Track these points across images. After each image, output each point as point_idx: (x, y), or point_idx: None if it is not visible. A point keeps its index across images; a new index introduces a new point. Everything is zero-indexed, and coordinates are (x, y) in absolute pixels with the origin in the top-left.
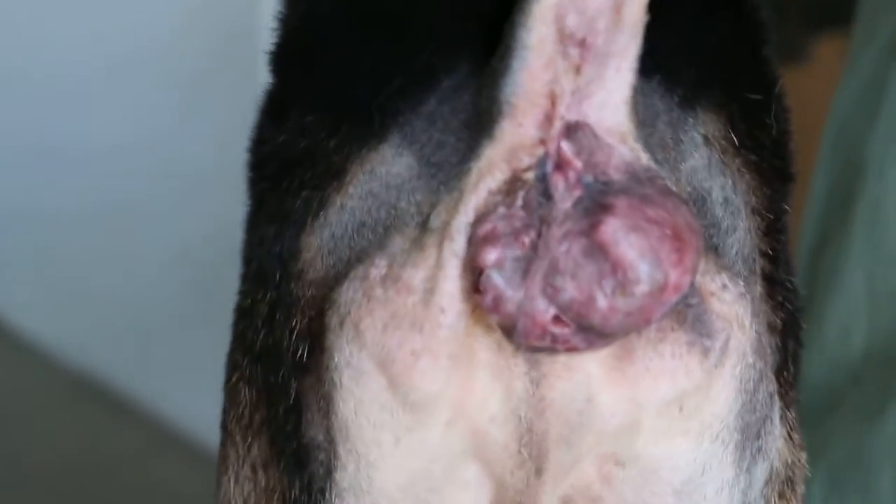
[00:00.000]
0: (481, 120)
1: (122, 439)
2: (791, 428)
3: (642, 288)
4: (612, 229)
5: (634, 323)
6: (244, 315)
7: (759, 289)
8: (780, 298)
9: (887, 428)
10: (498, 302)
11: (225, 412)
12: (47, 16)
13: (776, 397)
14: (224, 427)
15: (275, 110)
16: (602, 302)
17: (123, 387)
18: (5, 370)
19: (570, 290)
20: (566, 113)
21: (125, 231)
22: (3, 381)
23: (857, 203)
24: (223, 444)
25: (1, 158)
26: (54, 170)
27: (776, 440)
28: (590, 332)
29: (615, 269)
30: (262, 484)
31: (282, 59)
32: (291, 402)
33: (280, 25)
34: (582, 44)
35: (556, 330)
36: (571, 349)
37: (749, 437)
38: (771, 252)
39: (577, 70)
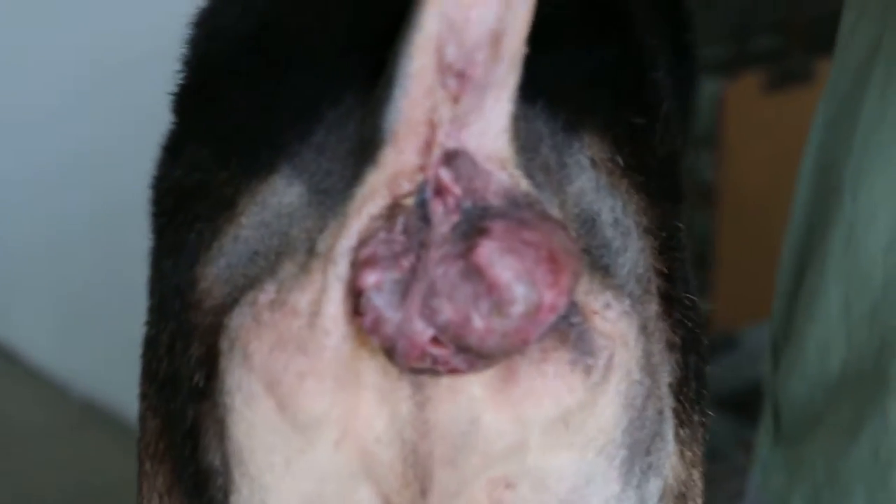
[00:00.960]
0: (365, 148)
1: (131, 466)
2: (684, 445)
3: (518, 308)
4: (488, 251)
5: (512, 343)
6: (149, 346)
7: (655, 307)
8: (678, 316)
9: (861, 449)
10: (377, 323)
11: (138, 443)
12: (52, 21)
13: (669, 414)
14: (139, 458)
15: (173, 146)
16: (478, 323)
17: (132, 413)
18: (14, 396)
19: (447, 311)
20: (445, 140)
21: (137, 259)
22: (12, 406)
23: (834, 227)
24: (137, 475)
25: (9, 186)
26: (62, 197)
27: (669, 457)
28: (469, 353)
29: (491, 290)
30: None
31: (180, 97)
32: (189, 427)
33: (182, 66)
34: (461, 75)
35: (435, 351)
36: (453, 371)
37: (638, 453)
38: (667, 271)
39: (456, 99)
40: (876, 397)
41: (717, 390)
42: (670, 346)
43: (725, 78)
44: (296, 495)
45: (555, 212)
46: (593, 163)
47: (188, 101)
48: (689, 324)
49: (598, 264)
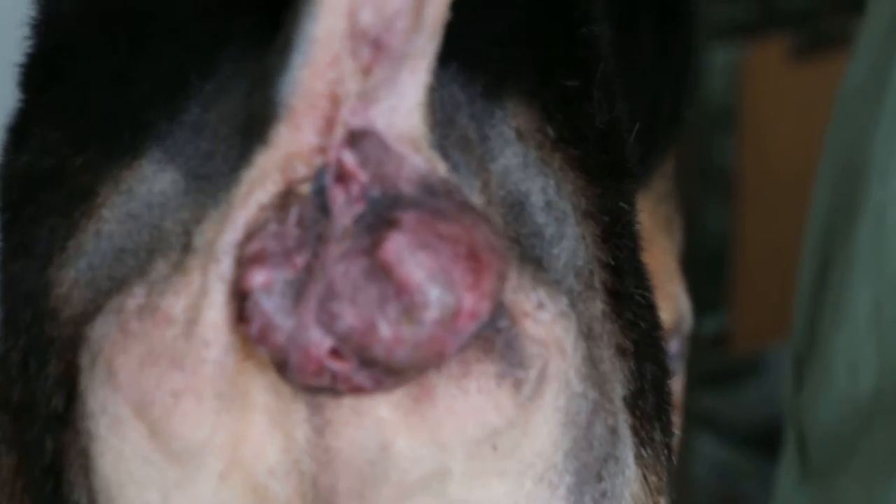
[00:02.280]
0: (253, 125)
1: None
2: (648, 469)
3: (431, 314)
4: (397, 247)
5: (426, 356)
6: (0, 367)
7: (600, 305)
8: (629, 316)
9: None
10: (266, 331)
11: None
12: None
13: (625, 431)
14: None
15: (19, 127)
16: (385, 331)
17: None
18: None
19: (348, 316)
20: (350, 118)
21: None
22: None
23: (861, 214)
24: None
25: None
26: None
27: (628, 483)
28: (374, 367)
29: (400, 292)
30: None
31: (28, 69)
32: (49, 461)
33: (30, 32)
34: (376, 44)
35: (335, 365)
36: (356, 390)
37: (587, 479)
38: (613, 262)
39: (367, 71)
40: None
41: (741, 424)
42: (621, 352)
43: (746, 43)
44: None
45: (476, 197)
46: (519, 135)
47: (37, 73)
48: (644, 325)
49: (529, 256)
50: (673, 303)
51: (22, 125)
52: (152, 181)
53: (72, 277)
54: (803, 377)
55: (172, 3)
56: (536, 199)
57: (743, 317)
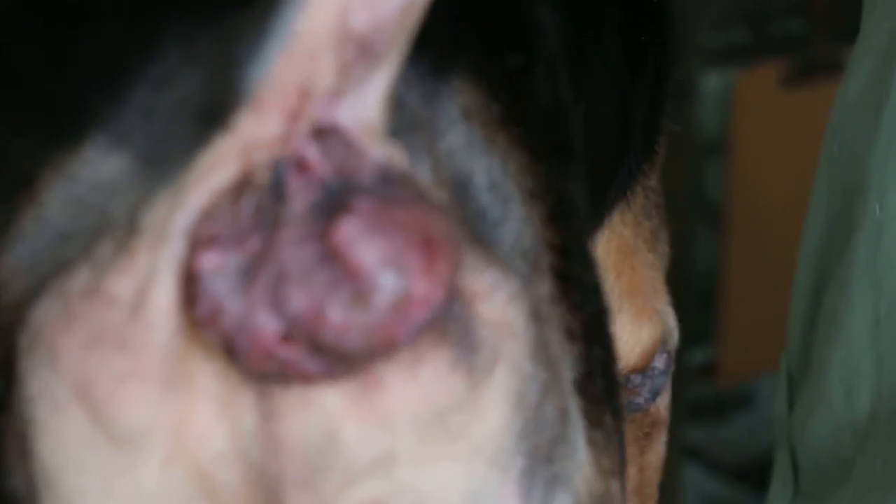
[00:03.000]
0: (213, 110)
1: None
2: (600, 451)
3: (382, 298)
4: (349, 231)
5: (377, 343)
6: None
7: (547, 287)
8: (576, 298)
9: None
10: (214, 315)
11: None
12: None
13: (575, 414)
14: None
15: None
16: (336, 315)
17: None
18: None
19: (298, 300)
20: (318, 113)
21: None
22: None
23: (858, 230)
24: None
25: None
26: None
27: (579, 466)
28: (324, 353)
29: (351, 276)
30: None
31: None
32: None
33: None
34: (363, 45)
35: (285, 351)
36: (305, 377)
37: (537, 462)
38: (559, 242)
39: (346, 70)
40: None
41: (730, 456)
42: (569, 335)
43: (737, 69)
44: None
45: (427, 177)
46: (465, 113)
47: None
48: (591, 308)
49: (477, 237)
50: (659, 318)
51: None
52: (97, 165)
53: (11, 263)
54: (796, 396)
55: None
56: (481, 180)
57: (731, 348)
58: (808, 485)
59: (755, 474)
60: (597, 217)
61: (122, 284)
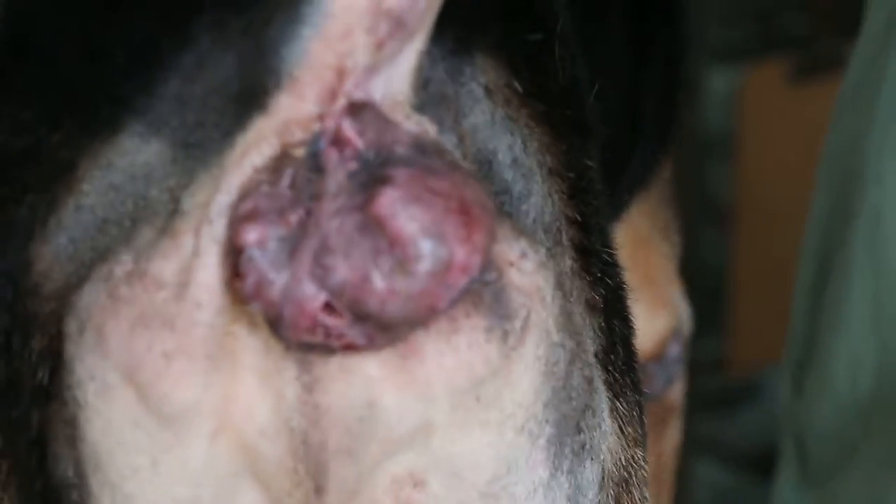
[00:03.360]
0: (250, 94)
1: None
2: (624, 421)
3: (424, 266)
4: (390, 201)
5: (418, 310)
6: None
7: (569, 261)
8: (597, 272)
9: None
10: (260, 287)
11: None
12: None
13: (599, 385)
14: None
15: None
16: (379, 283)
17: None
18: None
19: (341, 270)
20: (353, 90)
21: None
22: None
23: (858, 216)
24: None
25: None
26: None
27: (605, 436)
28: (367, 322)
29: (393, 245)
30: None
31: None
32: (34, 435)
33: None
34: (397, 21)
35: (329, 320)
36: (349, 346)
37: (566, 431)
38: (580, 218)
39: (380, 46)
40: None
41: (740, 448)
42: (591, 308)
43: (743, 66)
44: (167, 502)
45: (458, 154)
46: (488, 91)
47: (1, 50)
48: (611, 282)
49: (503, 211)
50: (672, 306)
51: None
52: (134, 153)
53: (53, 253)
54: (802, 383)
55: None
56: (504, 157)
57: (740, 341)
58: (816, 469)
59: (765, 465)
60: (613, 206)
61: (166, 266)
